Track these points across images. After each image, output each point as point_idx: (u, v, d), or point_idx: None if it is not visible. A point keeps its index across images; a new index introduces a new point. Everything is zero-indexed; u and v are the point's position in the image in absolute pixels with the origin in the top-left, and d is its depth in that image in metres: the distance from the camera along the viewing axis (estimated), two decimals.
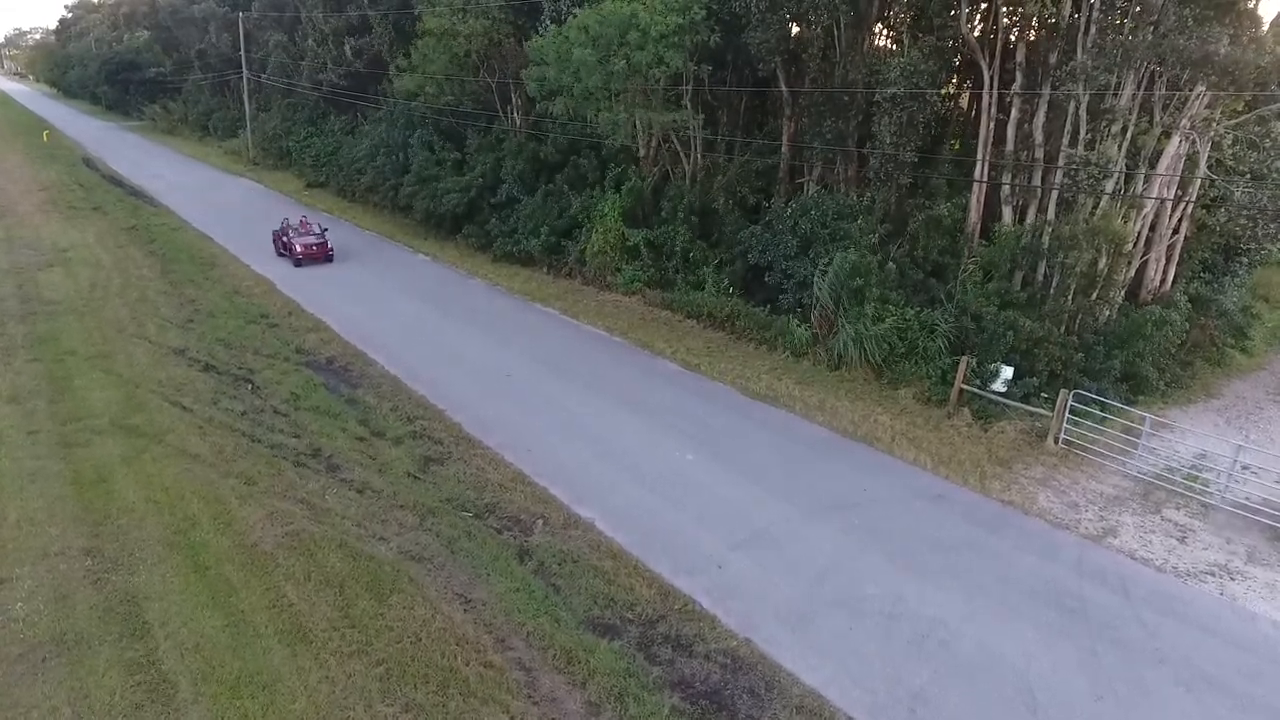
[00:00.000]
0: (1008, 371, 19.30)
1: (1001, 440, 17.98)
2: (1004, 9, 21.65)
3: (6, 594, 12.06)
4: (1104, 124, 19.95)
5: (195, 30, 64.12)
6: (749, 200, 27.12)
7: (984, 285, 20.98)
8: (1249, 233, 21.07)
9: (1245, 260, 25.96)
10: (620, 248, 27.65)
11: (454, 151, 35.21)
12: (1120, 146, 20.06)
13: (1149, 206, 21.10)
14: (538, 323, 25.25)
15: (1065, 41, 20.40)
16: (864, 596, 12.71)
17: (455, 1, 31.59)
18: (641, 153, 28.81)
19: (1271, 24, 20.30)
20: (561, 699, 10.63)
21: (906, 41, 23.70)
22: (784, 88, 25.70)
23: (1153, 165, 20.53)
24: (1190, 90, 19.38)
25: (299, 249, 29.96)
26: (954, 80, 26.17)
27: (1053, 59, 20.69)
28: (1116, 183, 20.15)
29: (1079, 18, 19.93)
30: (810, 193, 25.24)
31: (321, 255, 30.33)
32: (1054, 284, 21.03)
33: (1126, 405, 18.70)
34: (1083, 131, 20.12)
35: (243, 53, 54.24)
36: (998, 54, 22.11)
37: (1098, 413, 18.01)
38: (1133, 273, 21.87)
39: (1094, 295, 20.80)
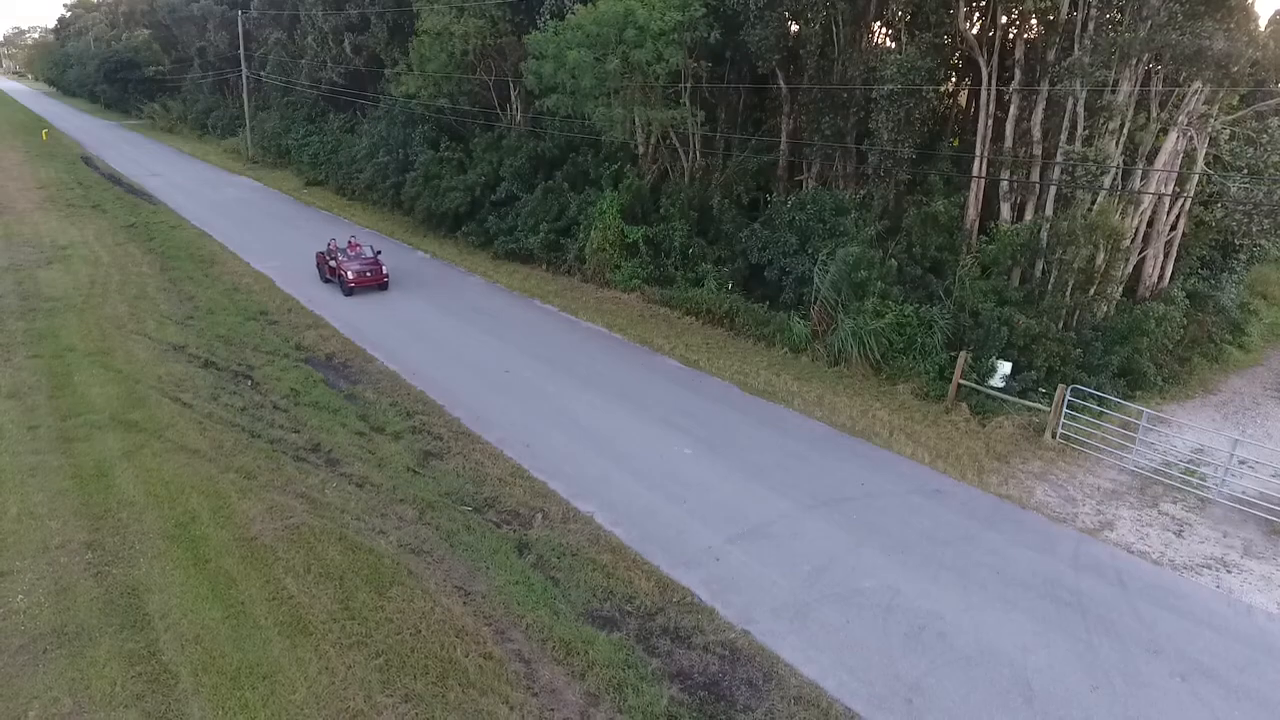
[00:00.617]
0: (1005, 367, 19.36)
1: (999, 435, 18.03)
2: (1002, 6, 21.68)
3: (8, 587, 12.10)
4: (1102, 120, 20.00)
5: (194, 28, 64.12)
6: (747, 197, 27.19)
7: (982, 281, 21.03)
8: (1244, 228, 21.16)
9: (1243, 257, 26.06)
10: (619, 245, 27.70)
11: (455, 151, 35.18)
12: (1118, 143, 20.12)
13: (1147, 203, 21.16)
14: (537, 319, 25.29)
15: (1063, 38, 20.46)
16: (861, 589, 12.76)
17: (452, 1, 31.62)
18: (640, 150, 28.86)
19: (1269, 20, 20.37)
20: (561, 690, 10.68)
21: (904, 38, 23.75)
22: (782, 85, 25.77)
23: (1150, 161, 20.60)
24: (1187, 86, 19.44)
25: (351, 276, 26.29)
26: (952, 77, 26.24)
27: (1051, 56, 20.73)
28: (1114, 179, 20.21)
29: (1077, 14, 19.98)
30: (809, 189, 25.28)
31: (376, 282, 26.74)
32: (1052, 280, 21.09)
33: (1124, 400, 18.75)
34: (1080, 128, 20.18)
35: (242, 51, 54.26)
36: (996, 51, 22.17)
37: (1095, 408, 18.08)
38: (1130, 269, 21.95)
39: (1092, 291, 20.87)
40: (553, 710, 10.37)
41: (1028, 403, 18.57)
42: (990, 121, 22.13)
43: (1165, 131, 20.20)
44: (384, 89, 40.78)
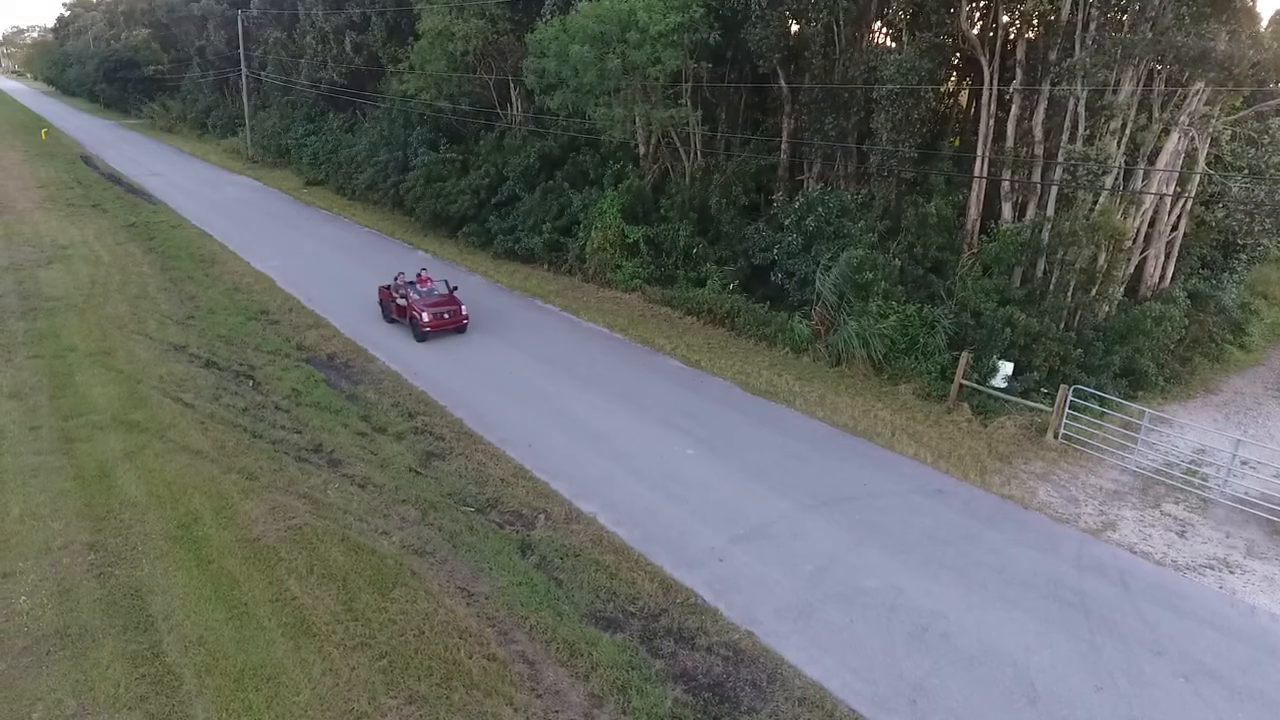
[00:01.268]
0: (1007, 367, 19.36)
1: (1001, 435, 18.03)
2: (1003, 6, 21.69)
3: (11, 588, 12.09)
4: (1103, 120, 20.00)
5: (194, 28, 64.10)
6: (747, 198, 27.17)
7: (984, 281, 21.02)
8: (1246, 228, 21.17)
9: (1244, 257, 26.07)
10: (620, 245, 27.69)
11: (457, 151, 35.12)
12: (1119, 143, 20.12)
13: (1148, 203, 21.16)
14: (538, 319, 25.28)
15: (1064, 38, 20.44)
16: (864, 589, 12.76)
17: (452, 0, 31.58)
18: (641, 150, 28.85)
19: (1270, 20, 20.37)
20: (565, 691, 10.68)
21: (905, 38, 23.75)
22: (783, 85, 25.75)
23: (1152, 161, 20.60)
24: (1189, 87, 19.43)
25: (427, 319, 22.24)
26: (953, 77, 26.23)
27: (1052, 56, 20.73)
28: (1116, 179, 20.21)
29: (1078, 15, 19.97)
30: (812, 190, 25.27)
31: (454, 325, 22.76)
32: (1053, 280, 21.08)
33: (1126, 401, 18.76)
34: (1082, 128, 20.18)
35: (241, 50, 54.21)
36: (997, 51, 22.16)
37: (1097, 408, 18.08)
38: (1132, 269, 21.95)
39: (1093, 291, 20.86)
40: (557, 712, 10.37)
41: (1029, 403, 18.57)
42: (991, 121, 22.13)
43: (1167, 132, 20.20)
44: (384, 89, 40.76)
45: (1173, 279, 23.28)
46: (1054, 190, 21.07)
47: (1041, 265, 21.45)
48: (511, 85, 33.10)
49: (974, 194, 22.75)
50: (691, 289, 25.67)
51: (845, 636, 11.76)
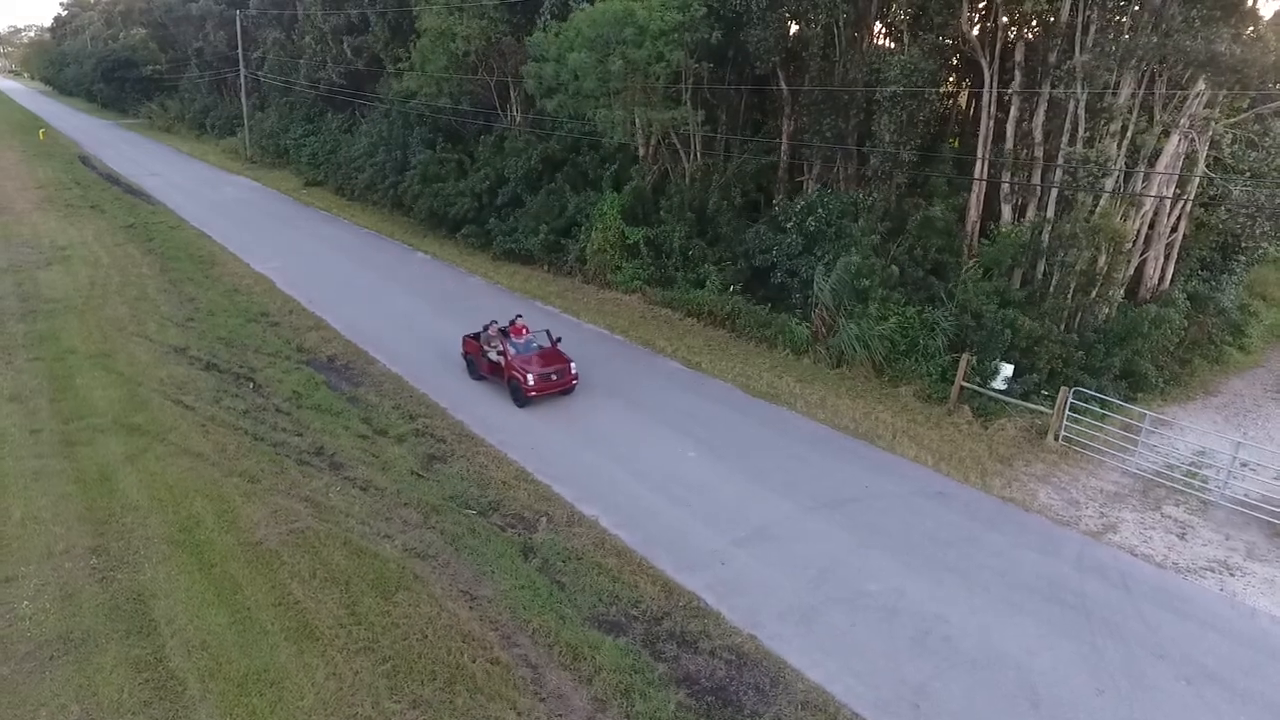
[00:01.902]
0: (1008, 369, 19.38)
1: (1002, 437, 18.06)
2: (1003, 7, 21.71)
3: (13, 592, 12.09)
4: (1103, 122, 20.03)
5: (192, 28, 63.96)
6: (746, 199, 27.17)
7: (984, 283, 21.05)
8: (1247, 230, 21.19)
9: (1243, 259, 26.10)
10: (620, 246, 27.69)
11: (457, 152, 35.10)
12: (1119, 145, 20.15)
13: (1148, 205, 21.19)
14: (539, 321, 25.17)
15: (1064, 40, 20.47)
16: (866, 593, 12.78)
17: (452, 1, 31.56)
18: (641, 151, 28.85)
19: (1269, 22, 20.40)
20: (568, 695, 10.69)
21: (906, 40, 23.76)
22: (783, 86, 25.75)
23: (1152, 164, 20.62)
24: (1190, 89, 19.46)
25: (532, 383, 18.36)
26: (953, 79, 26.24)
27: (1052, 58, 20.75)
28: (1116, 181, 20.23)
29: (1078, 17, 20.00)
30: (813, 191, 25.29)
31: (562, 388, 18.96)
32: (1053, 282, 21.11)
33: (1126, 403, 18.79)
34: (1082, 130, 20.21)
35: (240, 50, 54.13)
36: (997, 53, 22.18)
37: (1097, 410, 18.11)
38: (1132, 271, 21.98)
39: (1093, 293, 20.89)
40: (560, 716, 10.38)
41: (1030, 405, 18.60)
42: (991, 123, 22.16)
43: (1167, 134, 20.23)
44: (383, 89, 40.71)
45: (1172, 281, 23.32)
46: (1054, 192, 21.10)
47: (1041, 267, 21.48)
48: (511, 87, 33.09)
49: (974, 196, 22.78)
50: (691, 290, 25.68)
51: (848, 640, 11.78)
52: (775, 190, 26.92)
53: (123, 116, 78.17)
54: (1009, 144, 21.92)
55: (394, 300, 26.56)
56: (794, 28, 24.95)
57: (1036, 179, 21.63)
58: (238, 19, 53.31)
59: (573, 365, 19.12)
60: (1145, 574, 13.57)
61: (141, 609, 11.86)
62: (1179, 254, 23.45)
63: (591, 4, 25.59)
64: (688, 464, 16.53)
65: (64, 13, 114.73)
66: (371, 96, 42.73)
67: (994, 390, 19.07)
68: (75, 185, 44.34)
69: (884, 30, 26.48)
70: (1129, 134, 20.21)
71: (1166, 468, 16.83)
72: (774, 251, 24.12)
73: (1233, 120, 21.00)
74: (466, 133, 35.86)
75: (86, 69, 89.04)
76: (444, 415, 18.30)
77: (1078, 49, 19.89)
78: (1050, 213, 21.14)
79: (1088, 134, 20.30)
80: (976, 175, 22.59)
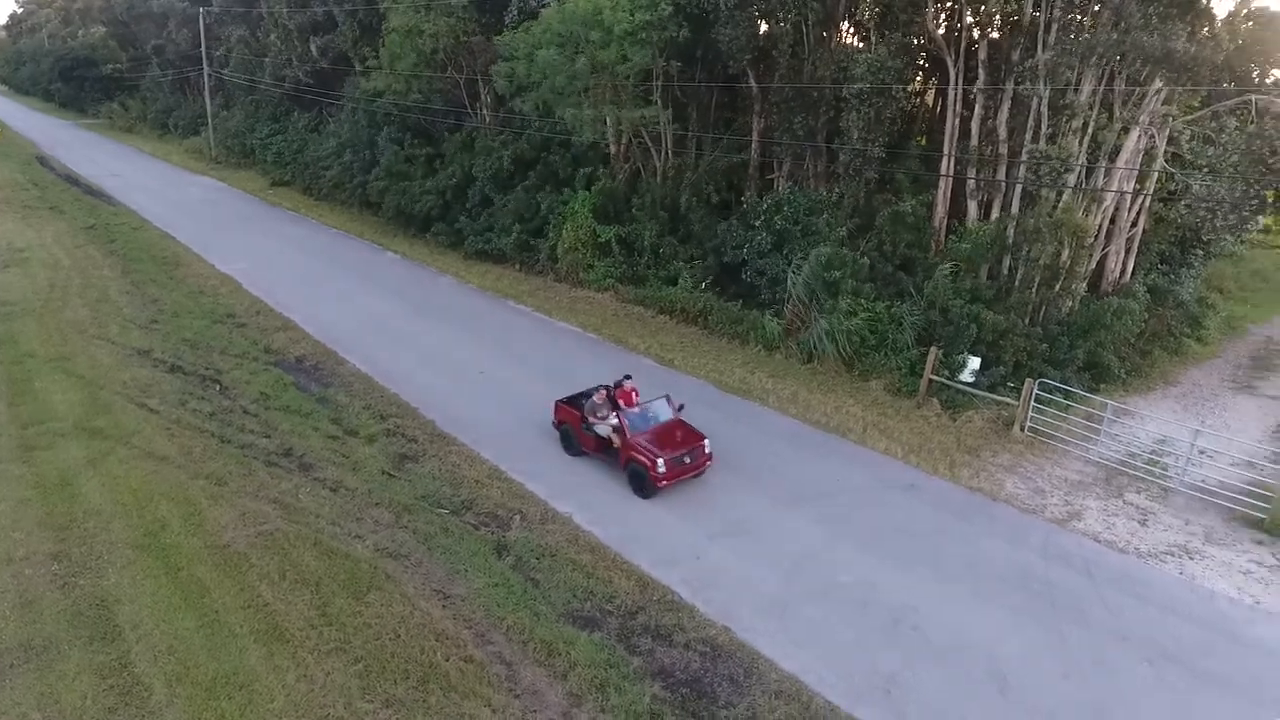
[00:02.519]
0: (975, 362, 19.68)
1: (970, 429, 18.34)
2: (968, 6, 22.04)
3: None
4: (1065, 119, 20.42)
5: (153, 25, 62.67)
6: (718, 196, 27.29)
7: (951, 279, 21.36)
8: (1209, 223, 21.67)
9: (1200, 252, 26.76)
10: (592, 244, 27.66)
11: (424, 148, 34.83)
12: (1081, 141, 20.56)
13: (1109, 200, 21.64)
14: (511, 320, 25.17)
15: (1028, 38, 20.84)
16: (838, 584, 12.91)
17: (418, 0, 31.32)
18: (612, 150, 28.85)
19: (1223, 21, 20.93)
20: (543, 691, 10.67)
21: (874, 38, 24.03)
22: (753, 84, 25.89)
23: (1113, 160, 21.07)
24: (1148, 86, 19.91)
25: (664, 469, 14.63)
26: (920, 77, 26.56)
27: (1016, 56, 21.12)
28: (1078, 177, 20.65)
29: (1040, 15, 20.37)
30: (782, 189, 25.47)
31: (695, 471, 15.29)
32: (1019, 276, 21.48)
33: (1089, 393, 19.18)
34: (1045, 127, 20.59)
35: (203, 49, 53.15)
36: (962, 51, 22.52)
37: (1062, 400, 18.46)
38: (1094, 265, 22.43)
39: (1057, 287, 21.30)
40: (535, 712, 10.36)
41: (997, 397, 18.92)
42: (957, 121, 22.49)
43: (1127, 130, 20.68)
44: (351, 87, 40.24)
45: (1133, 274, 23.85)
46: (1018, 188, 21.47)
47: (1007, 262, 21.84)
48: (481, 85, 32.90)
49: (940, 192, 23.11)
50: (663, 288, 25.72)
51: (820, 631, 11.89)
52: (746, 187, 27.07)
53: (82, 116, 76.34)
54: (974, 141, 22.27)
55: (364, 300, 26.28)
56: (763, 26, 25.10)
57: (1001, 175, 21.99)
58: (201, 16, 52.32)
59: (706, 444, 15.41)
60: (1108, 560, 13.86)
61: (105, 615, 11.62)
62: (1139, 248, 23.99)
63: (560, 3, 25.52)
64: None
65: (19, 10, 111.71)
66: (339, 95, 42.22)
67: (962, 383, 19.37)
68: (33, 186, 43.24)
69: (852, 29, 26.75)
70: (1090, 130, 20.63)
71: (1128, 456, 17.21)
72: (745, 249, 24.26)
73: (1190, 117, 21.52)
74: (436, 131, 35.59)
75: (44, 68, 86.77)
76: (415, 415, 18.13)
77: (1040, 47, 20.26)
78: (1015, 209, 21.50)
79: (1050, 131, 20.69)
80: (943, 172, 22.92)
